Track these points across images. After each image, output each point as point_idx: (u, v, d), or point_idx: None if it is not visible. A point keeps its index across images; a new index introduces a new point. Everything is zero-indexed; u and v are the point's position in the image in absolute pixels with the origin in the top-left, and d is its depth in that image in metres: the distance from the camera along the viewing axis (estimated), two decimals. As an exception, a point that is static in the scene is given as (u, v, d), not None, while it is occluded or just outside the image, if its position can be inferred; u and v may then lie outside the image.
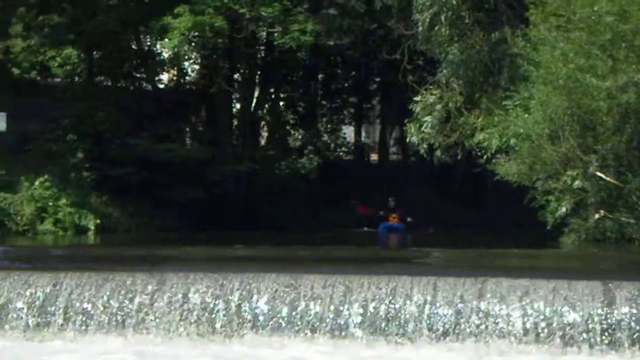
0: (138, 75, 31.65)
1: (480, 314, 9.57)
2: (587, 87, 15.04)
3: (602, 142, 15.59)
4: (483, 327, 9.51)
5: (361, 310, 9.73)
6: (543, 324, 9.35)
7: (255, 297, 10.07)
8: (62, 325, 10.28)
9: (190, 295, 10.20)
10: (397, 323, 9.63)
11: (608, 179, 15.54)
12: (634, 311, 9.19)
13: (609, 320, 9.18)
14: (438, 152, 21.50)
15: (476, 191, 34.12)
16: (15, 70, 30.35)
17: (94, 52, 30.78)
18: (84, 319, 10.26)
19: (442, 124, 20.46)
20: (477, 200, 33.59)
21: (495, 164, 18.48)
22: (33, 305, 10.43)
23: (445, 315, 9.63)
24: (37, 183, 25.22)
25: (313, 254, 14.46)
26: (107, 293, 10.37)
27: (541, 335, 9.31)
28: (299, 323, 9.81)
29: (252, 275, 10.35)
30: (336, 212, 30.29)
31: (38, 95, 29.47)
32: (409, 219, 27.25)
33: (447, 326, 9.57)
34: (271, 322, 9.87)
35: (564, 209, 16.15)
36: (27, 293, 10.55)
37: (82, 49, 30.15)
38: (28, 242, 22.41)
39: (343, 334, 9.66)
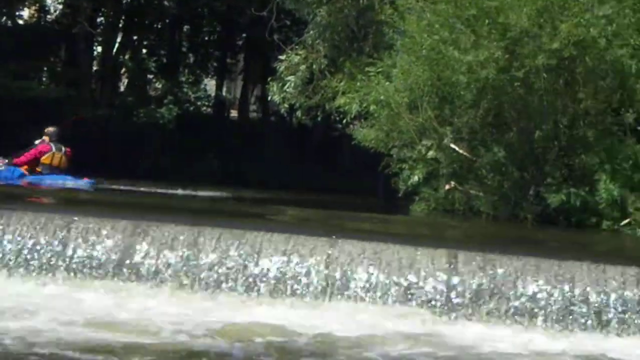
0: (-3, 8, 30.74)
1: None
2: (449, 59, 15.26)
3: (459, 115, 15.88)
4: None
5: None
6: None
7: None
8: None
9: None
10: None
11: (461, 151, 15.85)
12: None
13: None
14: (298, 113, 21.60)
15: (333, 155, 34.44)
16: None
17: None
18: None
19: (304, 85, 20.54)
20: (334, 164, 33.91)
21: (354, 129, 18.66)
22: None
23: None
24: None
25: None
26: None
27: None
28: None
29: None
30: (191, 166, 30.14)
31: None
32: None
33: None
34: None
35: (416, 178, 16.42)
36: None
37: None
38: None
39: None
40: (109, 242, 9.81)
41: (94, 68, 33.02)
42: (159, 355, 7.15)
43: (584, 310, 9.01)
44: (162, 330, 7.94)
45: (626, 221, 14.35)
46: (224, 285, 9.52)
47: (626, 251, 12.32)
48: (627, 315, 8.96)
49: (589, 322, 8.97)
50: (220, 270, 9.57)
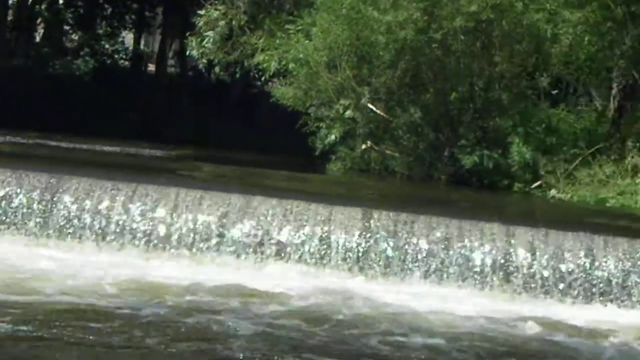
0: None
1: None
2: (368, 19, 15.31)
3: (377, 76, 15.95)
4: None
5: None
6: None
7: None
8: None
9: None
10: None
11: (378, 111, 15.96)
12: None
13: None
14: (217, 69, 21.48)
15: (252, 112, 34.30)
16: None
17: None
18: None
19: (223, 41, 20.36)
20: (252, 121, 33.77)
21: (272, 87, 18.62)
22: None
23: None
24: None
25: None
26: None
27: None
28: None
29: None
30: (107, 119, 29.77)
31: None
32: None
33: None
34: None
35: (333, 137, 16.49)
36: None
37: None
38: None
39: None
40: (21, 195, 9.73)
41: (9, 17, 32.32)
42: (43, 313, 7.12)
43: (491, 269, 9.21)
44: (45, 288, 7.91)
45: (537, 183, 14.63)
46: (129, 240, 9.50)
47: (536, 213, 12.57)
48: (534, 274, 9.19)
49: (496, 281, 9.17)
50: (127, 226, 9.53)
